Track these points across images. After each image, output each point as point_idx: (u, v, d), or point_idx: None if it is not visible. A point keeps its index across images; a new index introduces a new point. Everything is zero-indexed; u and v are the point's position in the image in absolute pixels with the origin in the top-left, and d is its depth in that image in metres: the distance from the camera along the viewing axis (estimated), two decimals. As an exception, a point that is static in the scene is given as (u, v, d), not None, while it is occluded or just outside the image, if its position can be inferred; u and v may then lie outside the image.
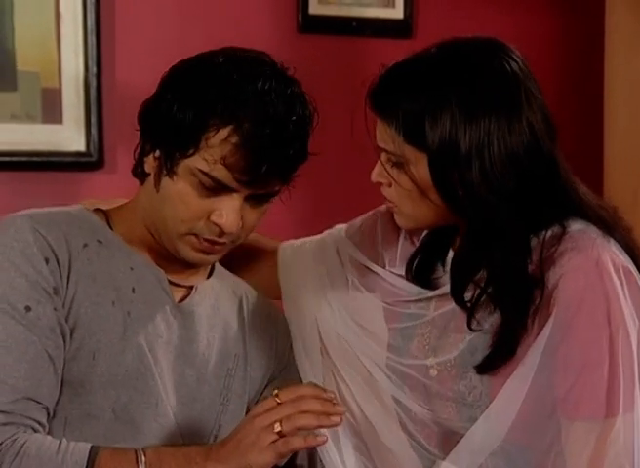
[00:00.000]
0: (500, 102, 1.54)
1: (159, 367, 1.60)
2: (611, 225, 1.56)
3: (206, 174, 1.50)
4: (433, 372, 1.63)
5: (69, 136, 2.41)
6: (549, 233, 1.55)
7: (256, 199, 1.55)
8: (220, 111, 1.49)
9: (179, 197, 1.54)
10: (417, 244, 1.73)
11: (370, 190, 2.68)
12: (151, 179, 1.58)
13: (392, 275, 1.73)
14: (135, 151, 1.61)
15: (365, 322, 1.75)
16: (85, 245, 1.57)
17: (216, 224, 1.53)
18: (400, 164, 1.57)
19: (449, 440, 1.60)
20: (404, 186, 1.58)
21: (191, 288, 1.66)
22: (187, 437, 1.62)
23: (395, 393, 1.68)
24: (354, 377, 1.73)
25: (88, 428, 1.53)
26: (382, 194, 1.64)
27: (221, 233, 1.54)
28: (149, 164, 1.58)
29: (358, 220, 1.84)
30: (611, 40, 2.75)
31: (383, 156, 1.61)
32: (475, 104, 1.53)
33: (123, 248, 1.61)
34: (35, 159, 2.39)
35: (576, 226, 1.55)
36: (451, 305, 1.62)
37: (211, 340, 1.67)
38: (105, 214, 1.65)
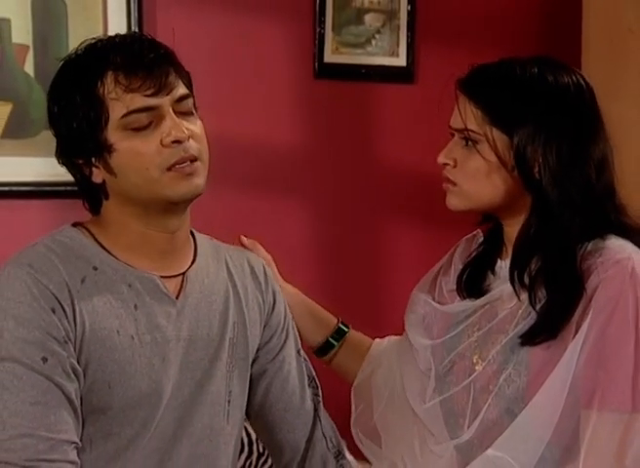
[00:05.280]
0: (587, 114, 1.64)
1: (171, 369, 1.62)
2: None
3: (128, 113, 1.54)
4: (478, 368, 1.67)
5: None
6: (590, 245, 1.61)
7: (180, 108, 1.58)
8: (90, 69, 1.55)
9: (130, 156, 1.55)
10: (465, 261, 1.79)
11: (375, 209, 2.93)
12: (108, 180, 1.59)
13: (440, 306, 1.78)
14: (80, 191, 1.63)
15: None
16: (83, 280, 1.57)
17: (172, 143, 1.55)
18: (475, 143, 1.63)
19: (483, 428, 1.64)
20: (473, 164, 1.64)
21: (183, 275, 1.67)
22: (204, 410, 1.66)
23: (442, 390, 1.72)
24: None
25: (111, 443, 1.59)
26: (444, 175, 1.69)
27: (182, 146, 1.56)
28: (97, 176, 1.59)
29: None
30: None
31: (457, 138, 1.67)
32: (564, 111, 1.62)
33: (118, 267, 1.61)
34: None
35: (615, 241, 1.61)
36: (495, 309, 1.68)
37: (212, 319, 1.68)
38: (88, 230, 1.64)
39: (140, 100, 1.54)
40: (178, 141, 1.56)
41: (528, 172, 1.62)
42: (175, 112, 1.57)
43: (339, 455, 1.86)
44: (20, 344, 1.50)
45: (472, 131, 1.64)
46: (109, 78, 1.55)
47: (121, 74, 1.54)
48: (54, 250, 1.59)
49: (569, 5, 3.02)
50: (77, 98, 1.56)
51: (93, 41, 1.61)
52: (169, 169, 1.56)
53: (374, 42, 2.91)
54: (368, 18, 2.90)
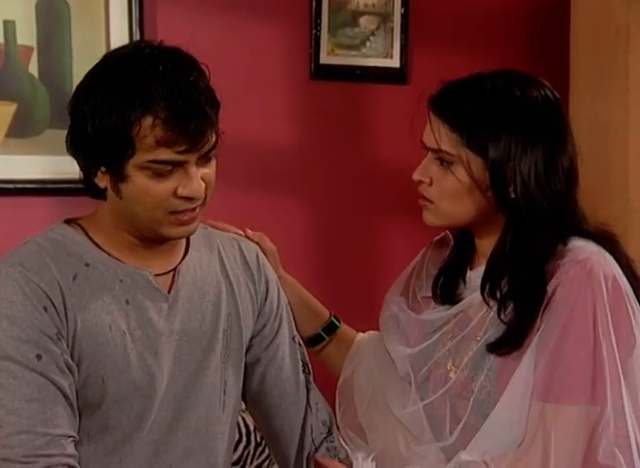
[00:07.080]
0: (556, 125, 1.65)
1: (164, 362, 1.63)
2: (607, 242, 1.65)
3: (154, 161, 1.51)
4: (452, 375, 1.69)
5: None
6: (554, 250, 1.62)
7: (203, 157, 1.56)
8: (134, 105, 1.49)
9: (142, 192, 1.53)
10: (437, 269, 1.80)
11: (368, 207, 2.95)
12: (111, 194, 1.57)
13: (416, 315, 1.79)
14: (81, 176, 1.60)
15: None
16: (75, 277, 1.57)
17: (184, 197, 1.55)
18: (449, 163, 1.64)
19: (465, 433, 1.66)
20: (448, 185, 1.65)
21: (175, 270, 1.67)
22: (199, 401, 1.68)
23: (423, 397, 1.74)
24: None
25: (108, 436, 1.60)
26: (420, 192, 1.70)
27: (191, 201, 1.56)
28: (100, 180, 1.57)
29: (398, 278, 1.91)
30: (575, 84, 2.88)
31: (432, 156, 1.67)
32: (534, 124, 1.62)
33: (110, 263, 1.61)
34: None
35: (577, 243, 1.63)
36: (468, 317, 1.69)
37: (205, 312, 1.68)
38: (81, 227, 1.64)
39: (168, 154, 1.52)
40: (190, 198, 1.57)
41: (503, 191, 1.63)
42: (197, 161, 1.56)
43: (329, 436, 1.87)
44: (13, 343, 1.51)
45: (447, 152, 1.64)
46: (147, 123, 1.50)
47: (158, 126, 1.50)
48: (45, 247, 1.59)
49: (558, 8, 3.05)
50: (107, 120, 1.52)
51: (138, 60, 1.54)
52: (171, 212, 1.57)
53: (368, 44, 2.93)
54: (363, 20, 2.92)
